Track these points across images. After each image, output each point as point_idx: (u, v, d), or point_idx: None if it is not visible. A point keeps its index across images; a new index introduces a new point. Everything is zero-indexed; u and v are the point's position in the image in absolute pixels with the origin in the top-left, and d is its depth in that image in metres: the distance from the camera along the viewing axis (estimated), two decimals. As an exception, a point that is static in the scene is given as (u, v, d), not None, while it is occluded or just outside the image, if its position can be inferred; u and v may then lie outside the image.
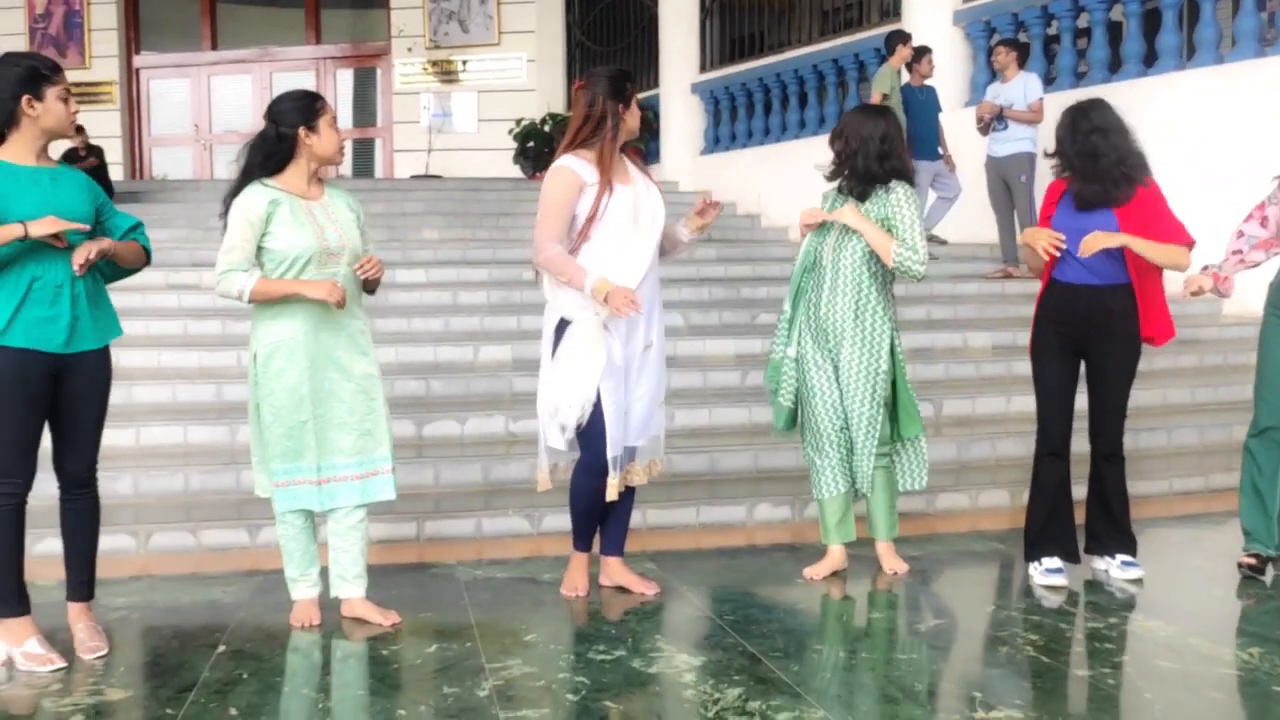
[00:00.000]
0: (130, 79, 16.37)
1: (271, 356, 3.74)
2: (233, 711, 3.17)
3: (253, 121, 16.29)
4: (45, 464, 3.59)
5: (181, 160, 16.66)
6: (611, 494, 4.00)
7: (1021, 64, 8.72)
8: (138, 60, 16.50)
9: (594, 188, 3.92)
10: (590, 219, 3.92)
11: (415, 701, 3.24)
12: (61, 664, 3.49)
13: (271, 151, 3.77)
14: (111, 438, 3.99)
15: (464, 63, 15.80)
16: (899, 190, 4.24)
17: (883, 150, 4.24)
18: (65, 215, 3.41)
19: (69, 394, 3.53)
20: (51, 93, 3.47)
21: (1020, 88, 8.43)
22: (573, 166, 3.94)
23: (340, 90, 16.73)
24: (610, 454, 3.95)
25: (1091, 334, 4.21)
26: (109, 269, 3.65)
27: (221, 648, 3.68)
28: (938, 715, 3.13)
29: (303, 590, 3.93)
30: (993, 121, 8.52)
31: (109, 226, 3.65)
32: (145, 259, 3.75)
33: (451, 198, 11.48)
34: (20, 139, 3.46)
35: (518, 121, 14.56)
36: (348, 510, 3.88)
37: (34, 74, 3.44)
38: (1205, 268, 4.29)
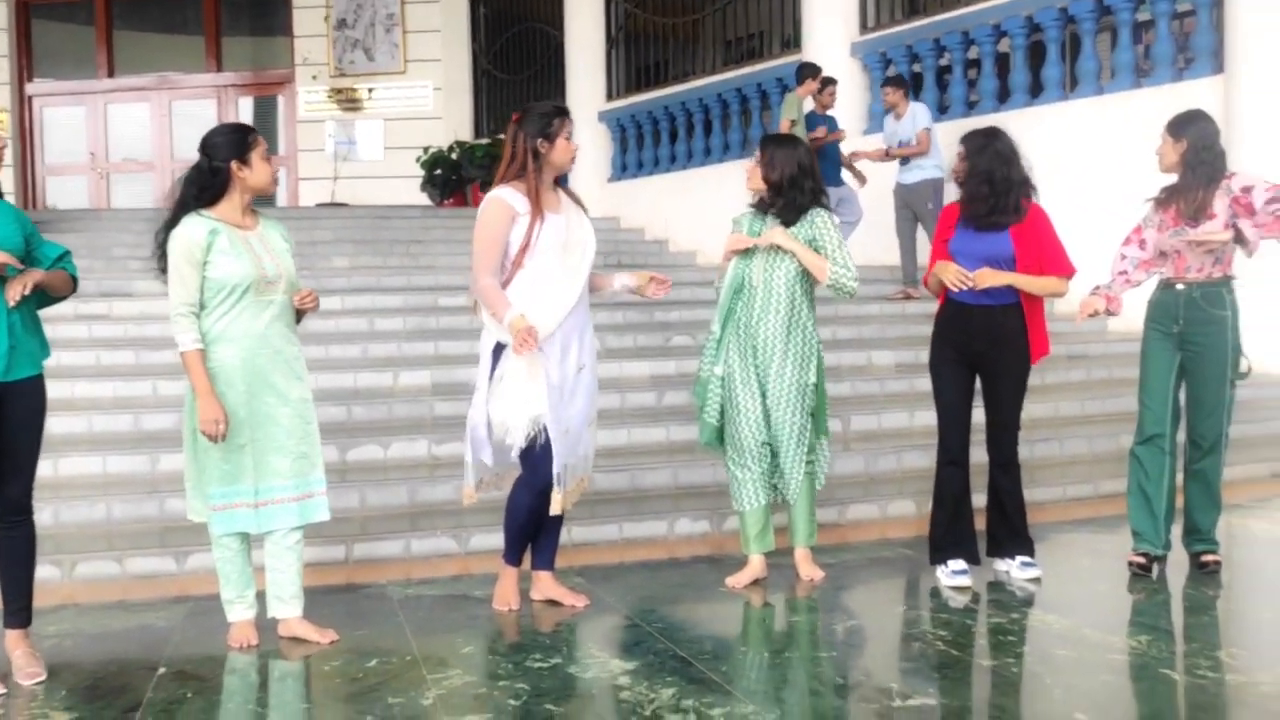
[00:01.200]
0: (22, 107, 16.02)
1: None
2: (180, 729, 3.25)
3: (152, 150, 16.10)
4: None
5: (76, 189, 16.30)
6: (556, 508, 4.17)
7: (914, 94, 9.15)
8: (30, 88, 16.14)
9: (526, 217, 4.10)
10: (523, 248, 4.10)
11: (362, 712, 3.34)
12: (1, 690, 3.52)
13: (206, 185, 3.87)
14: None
15: (370, 90, 15.80)
16: (823, 214, 4.51)
17: (808, 179, 4.50)
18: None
19: (8, 420, 3.57)
20: None
21: (910, 121, 8.85)
22: (504, 197, 4.12)
23: (242, 117, 16.55)
24: (555, 470, 4.11)
25: (984, 350, 4.48)
26: (39, 297, 3.70)
27: (162, 670, 3.73)
28: (859, 706, 3.35)
29: (240, 612, 3.99)
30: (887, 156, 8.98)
31: (38, 256, 3.70)
32: (73, 286, 3.82)
33: (360, 225, 11.47)
34: None
35: (425, 149, 14.61)
36: (284, 532, 3.96)
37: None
38: (1096, 289, 4.60)
